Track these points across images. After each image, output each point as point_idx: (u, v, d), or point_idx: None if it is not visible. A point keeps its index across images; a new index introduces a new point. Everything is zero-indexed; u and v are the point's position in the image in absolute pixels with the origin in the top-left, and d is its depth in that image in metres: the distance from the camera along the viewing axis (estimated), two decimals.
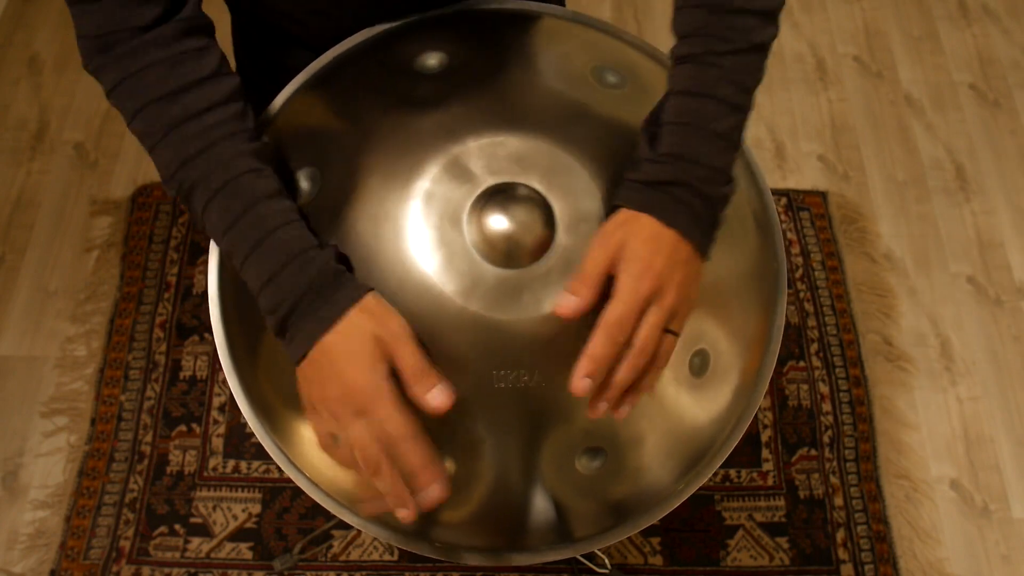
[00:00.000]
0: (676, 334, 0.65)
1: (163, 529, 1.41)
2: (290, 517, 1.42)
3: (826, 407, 1.53)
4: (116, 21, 0.67)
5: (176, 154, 0.66)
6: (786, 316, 0.79)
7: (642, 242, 0.63)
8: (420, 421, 0.62)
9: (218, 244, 0.67)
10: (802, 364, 1.57)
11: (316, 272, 0.63)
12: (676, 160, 0.65)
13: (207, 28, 0.70)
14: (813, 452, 1.49)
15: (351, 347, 0.61)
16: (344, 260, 0.66)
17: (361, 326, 0.61)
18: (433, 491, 0.61)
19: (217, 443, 1.48)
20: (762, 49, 0.68)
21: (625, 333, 0.63)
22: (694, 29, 0.67)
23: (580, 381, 0.62)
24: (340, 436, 0.62)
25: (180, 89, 0.66)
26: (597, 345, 0.62)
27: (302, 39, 0.87)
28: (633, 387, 0.65)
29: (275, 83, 0.80)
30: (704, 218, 0.65)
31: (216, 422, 1.50)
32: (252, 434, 0.74)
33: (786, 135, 1.84)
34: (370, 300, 0.63)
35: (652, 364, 0.65)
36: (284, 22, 0.87)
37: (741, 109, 0.67)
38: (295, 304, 0.62)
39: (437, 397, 0.61)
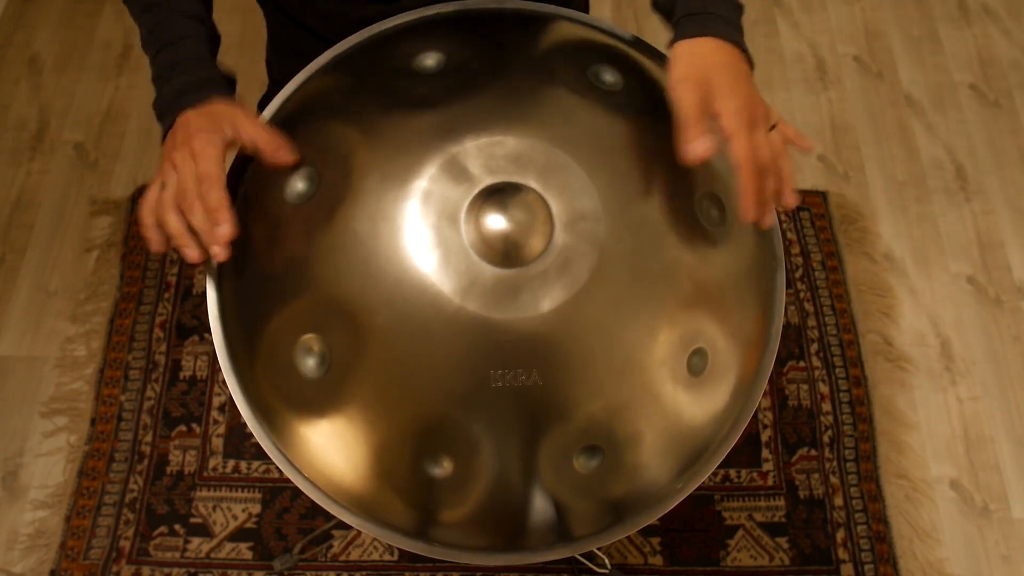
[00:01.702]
0: (774, 126, 0.74)
1: (163, 529, 1.41)
2: (290, 517, 1.42)
3: (826, 407, 1.53)
4: None
5: None
6: (786, 316, 0.79)
7: (719, 72, 0.71)
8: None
9: (142, 44, 0.78)
10: (802, 364, 1.57)
11: (205, 76, 0.75)
12: None
13: None
14: (813, 452, 1.49)
15: (198, 122, 0.71)
16: (232, 87, 0.79)
17: (217, 111, 0.72)
18: (225, 229, 0.69)
19: (217, 443, 1.48)
20: None
21: (759, 159, 0.69)
22: None
23: (755, 215, 0.70)
24: (168, 180, 0.71)
25: None
26: (755, 185, 0.69)
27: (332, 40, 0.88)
28: (781, 192, 0.73)
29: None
30: (741, 31, 0.76)
31: (216, 422, 1.50)
32: (252, 434, 0.74)
33: None
34: (230, 101, 0.74)
35: (782, 164, 0.72)
36: (321, 24, 0.89)
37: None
38: (176, 93, 0.74)
39: (286, 152, 0.72)
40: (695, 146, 0.68)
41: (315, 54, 0.82)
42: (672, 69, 0.72)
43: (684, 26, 0.74)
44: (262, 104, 0.79)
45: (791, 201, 0.73)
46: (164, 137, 0.75)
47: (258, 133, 0.72)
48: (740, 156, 0.69)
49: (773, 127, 0.73)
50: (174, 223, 0.70)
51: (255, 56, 0.82)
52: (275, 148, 0.72)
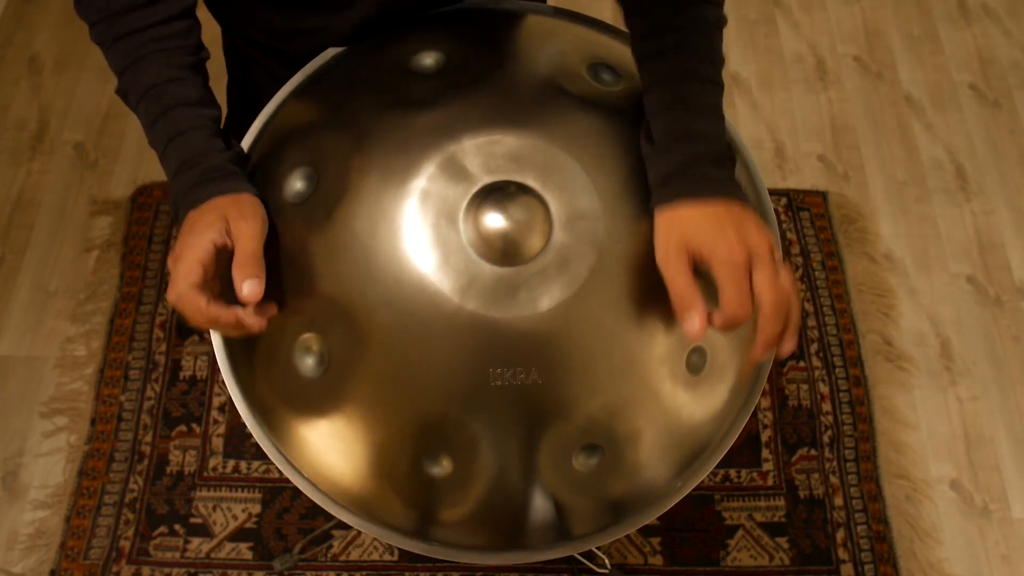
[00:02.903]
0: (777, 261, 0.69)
1: (163, 529, 1.41)
2: (290, 517, 1.42)
3: (826, 407, 1.53)
4: None
5: (118, 63, 0.75)
6: None
7: (701, 228, 0.67)
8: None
9: (147, 138, 0.76)
10: (802, 364, 1.57)
11: (206, 168, 0.72)
12: (678, 143, 0.70)
13: None
14: (813, 452, 1.49)
15: (202, 218, 0.69)
16: (241, 162, 0.75)
17: (218, 206, 0.70)
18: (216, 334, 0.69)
19: (217, 443, 1.48)
20: (720, 27, 0.75)
21: (743, 311, 0.66)
22: (654, 26, 0.74)
23: (762, 356, 0.68)
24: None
25: (130, 7, 0.74)
26: (766, 334, 0.66)
27: (288, 55, 0.87)
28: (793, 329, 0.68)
29: (265, 92, 0.82)
30: (725, 179, 0.71)
31: (216, 422, 1.50)
32: (252, 434, 0.74)
33: (786, 135, 1.84)
34: (244, 196, 0.71)
35: (792, 308, 0.68)
36: (271, 40, 0.88)
37: (718, 84, 0.73)
38: (185, 193, 0.71)
39: (249, 288, 0.66)
40: (687, 327, 0.66)
41: (272, 71, 0.82)
42: (655, 244, 0.69)
43: (659, 192, 0.70)
44: (226, 130, 0.76)
45: (787, 348, 0.68)
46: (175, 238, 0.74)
47: (240, 242, 0.69)
48: (727, 307, 0.66)
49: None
50: (197, 321, 0.69)
51: (215, 83, 0.80)
52: (244, 276, 0.67)
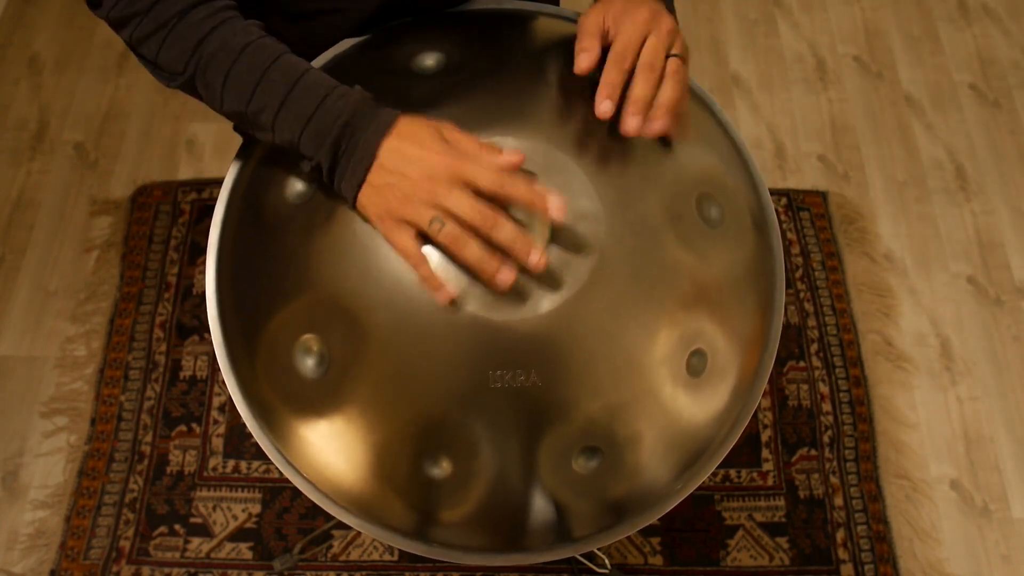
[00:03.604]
0: (681, 56, 0.72)
1: (163, 529, 1.41)
2: (290, 517, 1.42)
3: (826, 407, 1.53)
4: None
5: (190, 36, 0.69)
6: (786, 316, 0.79)
7: (623, 3, 0.72)
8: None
9: (243, 110, 0.68)
10: (802, 364, 1.57)
11: (359, 97, 0.66)
12: None
13: None
14: (813, 452, 1.49)
15: (416, 135, 0.64)
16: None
17: (414, 122, 0.65)
18: (554, 202, 0.63)
19: (217, 443, 1.48)
20: None
21: (629, 59, 0.70)
22: None
23: (601, 104, 0.69)
24: (441, 215, 0.63)
25: None
26: (608, 74, 0.70)
27: (305, 41, 0.87)
28: (660, 104, 0.71)
29: None
30: None
31: (216, 422, 1.50)
32: (252, 434, 0.74)
33: (786, 135, 1.84)
34: (411, 115, 0.66)
35: (666, 81, 0.71)
36: (290, 25, 0.87)
37: None
38: (347, 123, 0.65)
39: (510, 156, 0.64)
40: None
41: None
42: (583, 18, 0.74)
43: None
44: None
45: (657, 125, 0.70)
46: (358, 190, 0.66)
47: (476, 142, 0.66)
48: (610, 54, 0.70)
49: (681, 57, 0.72)
50: (475, 252, 0.64)
51: None
52: (495, 154, 0.65)
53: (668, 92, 0.71)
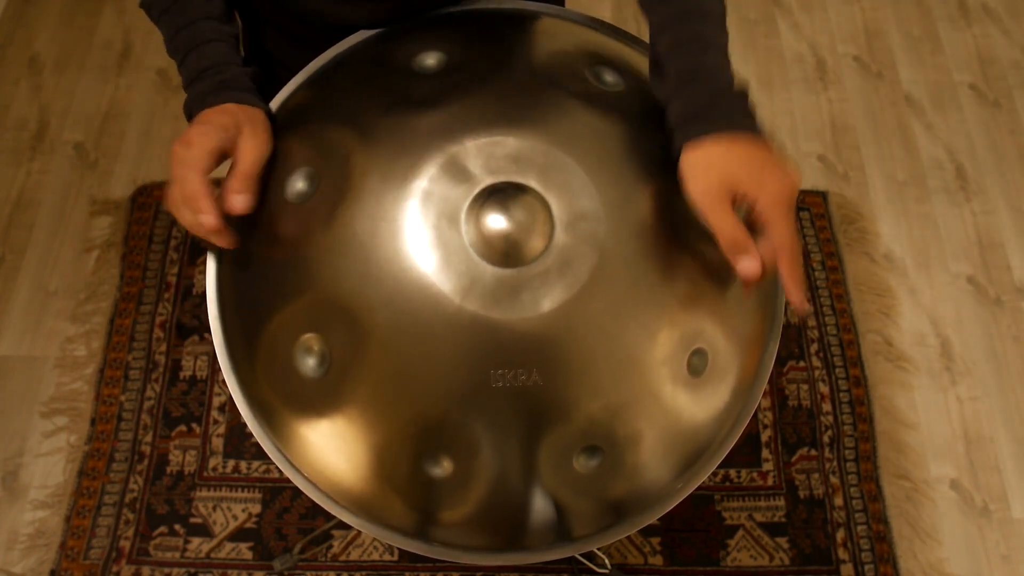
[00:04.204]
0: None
1: (163, 529, 1.41)
2: (290, 517, 1.42)
3: (826, 407, 1.53)
4: None
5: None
6: (786, 316, 0.78)
7: (743, 165, 0.65)
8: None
9: (167, 47, 0.78)
10: (802, 364, 1.57)
11: (226, 79, 0.74)
12: (699, 79, 0.69)
13: None
14: (813, 452, 1.49)
15: (215, 117, 0.71)
16: (258, 80, 0.77)
17: (231, 111, 0.72)
18: (205, 218, 0.69)
19: (217, 443, 1.48)
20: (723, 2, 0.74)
21: (796, 245, 0.65)
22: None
23: (803, 306, 0.66)
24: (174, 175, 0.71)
25: None
26: (793, 270, 0.65)
27: (308, 40, 0.87)
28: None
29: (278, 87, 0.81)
30: (750, 113, 0.69)
31: (216, 422, 1.50)
32: (252, 434, 0.74)
33: (786, 135, 1.84)
34: (258, 113, 0.74)
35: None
36: (293, 26, 0.88)
37: (724, 26, 0.73)
38: (202, 99, 0.73)
39: (242, 201, 0.70)
40: (745, 269, 0.65)
41: (294, 60, 0.82)
42: (688, 184, 0.67)
43: (686, 129, 0.68)
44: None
45: (802, 300, 0.67)
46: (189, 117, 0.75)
47: (243, 156, 0.71)
48: (781, 245, 0.64)
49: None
50: (184, 219, 0.70)
51: None
52: (237, 189, 0.70)
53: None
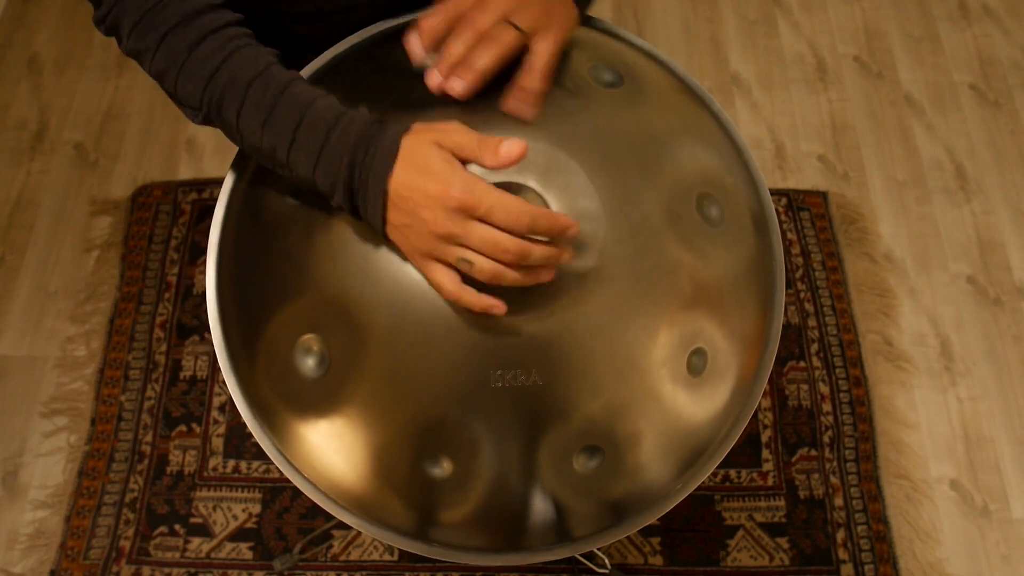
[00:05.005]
0: (520, 29, 0.68)
1: (163, 529, 1.41)
2: (290, 517, 1.42)
3: (826, 407, 1.53)
4: None
5: (202, 70, 0.68)
6: (786, 316, 0.79)
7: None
8: None
9: (259, 145, 0.68)
10: (802, 364, 1.57)
11: (361, 125, 0.65)
12: None
13: None
14: (813, 452, 1.49)
15: (420, 160, 0.62)
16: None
17: (416, 144, 0.63)
18: (574, 229, 0.63)
19: (217, 443, 1.48)
20: None
21: (456, 14, 0.68)
22: None
23: (410, 42, 0.70)
24: (469, 254, 0.62)
25: (196, 12, 0.68)
26: (428, 16, 0.69)
27: (306, 40, 0.86)
28: (470, 66, 0.68)
29: None
30: None
31: (216, 422, 1.50)
32: (252, 434, 0.74)
33: (786, 135, 1.84)
34: (416, 126, 0.65)
35: (487, 45, 0.68)
36: (294, 25, 0.87)
37: None
38: (352, 160, 0.64)
39: (509, 148, 0.62)
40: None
41: (293, 61, 0.81)
42: None
43: None
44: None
45: (456, 85, 0.68)
46: (383, 220, 0.65)
47: (475, 138, 0.64)
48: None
49: (519, 29, 0.69)
50: (514, 278, 0.64)
51: None
52: (494, 149, 0.64)
53: (483, 57, 0.68)
